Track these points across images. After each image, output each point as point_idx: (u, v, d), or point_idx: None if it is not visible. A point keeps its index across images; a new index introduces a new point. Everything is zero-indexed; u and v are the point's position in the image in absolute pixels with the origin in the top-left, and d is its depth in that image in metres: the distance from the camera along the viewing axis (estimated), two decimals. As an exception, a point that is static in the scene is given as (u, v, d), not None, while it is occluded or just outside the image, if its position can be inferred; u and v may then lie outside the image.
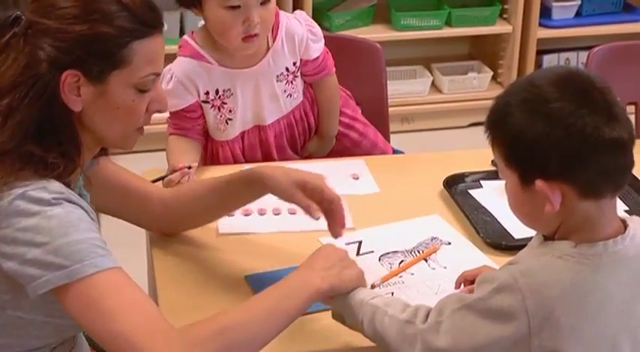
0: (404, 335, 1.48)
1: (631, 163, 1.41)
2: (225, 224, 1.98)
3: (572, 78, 1.40)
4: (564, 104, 1.36)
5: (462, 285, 1.72)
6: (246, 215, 2.04)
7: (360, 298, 1.56)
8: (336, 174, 2.22)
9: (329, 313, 1.63)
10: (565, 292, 1.38)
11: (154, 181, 1.98)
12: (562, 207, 1.40)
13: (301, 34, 2.33)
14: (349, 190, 2.15)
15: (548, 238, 1.46)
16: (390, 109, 2.80)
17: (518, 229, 1.75)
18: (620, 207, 2.07)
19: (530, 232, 1.52)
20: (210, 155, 2.38)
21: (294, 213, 2.05)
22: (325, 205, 1.74)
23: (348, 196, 2.11)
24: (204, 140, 2.38)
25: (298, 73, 2.37)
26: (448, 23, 4.18)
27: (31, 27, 1.46)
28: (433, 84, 4.26)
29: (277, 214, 2.05)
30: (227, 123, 2.33)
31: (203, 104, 2.31)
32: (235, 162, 2.35)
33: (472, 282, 1.60)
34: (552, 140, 1.36)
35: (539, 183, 1.38)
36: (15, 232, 1.40)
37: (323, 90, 2.44)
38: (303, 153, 2.47)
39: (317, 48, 2.37)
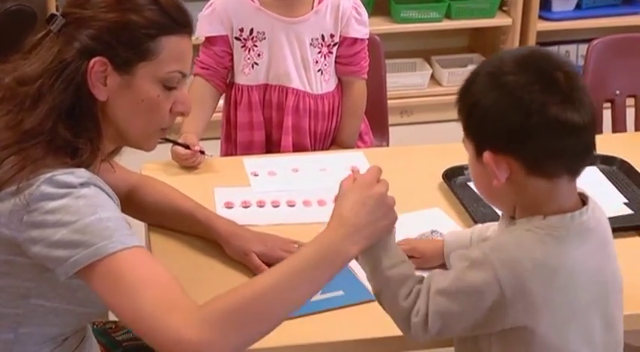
0: (402, 318, 1.45)
1: (588, 148, 1.41)
2: (224, 216, 1.97)
3: (537, 57, 1.42)
4: (519, 77, 1.38)
5: None
6: (245, 207, 2.04)
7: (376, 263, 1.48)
8: (335, 167, 2.23)
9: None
10: (536, 265, 1.39)
11: (166, 140, 1.97)
12: (511, 183, 1.41)
13: (347, 7, 2.38)
14: (348, 183, 2.15)
15: (513, 219, 1.47)
16: (389, 102, 2.80)
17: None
18: (620, 200, 2.08)
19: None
20: (234, 101, 2.42)
21: (292, 206, 2.05)
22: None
23: (348, 188, 2.11)
24: (225, 89, 2.43)
25: (333, 50, 2.39)
26: (448, 15, 4.17)
27: (67, 18, 1.52)
28: (433, 76, 4.25)
29: (276, 206, 2.05)
30: (253, 67, 2.37)
31: (235, 41, 2.36)
32: (253, 110, 2.39)
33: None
34: (500, 111, 1.38)
35: (486, 156, 1.40)
36: (42, 215, 1.42)
37: (351, 93, 2.47)
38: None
39: (358, 29, 2.41)
